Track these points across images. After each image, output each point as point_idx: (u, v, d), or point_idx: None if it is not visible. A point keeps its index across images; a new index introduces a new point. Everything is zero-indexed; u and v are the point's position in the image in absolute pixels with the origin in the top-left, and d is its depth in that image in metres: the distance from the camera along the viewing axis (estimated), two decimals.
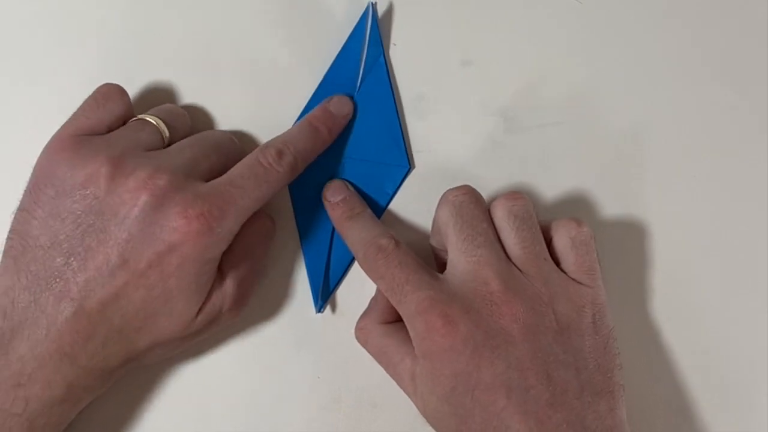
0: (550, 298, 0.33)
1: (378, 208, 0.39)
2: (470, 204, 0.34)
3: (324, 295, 0.39)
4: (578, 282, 0.34)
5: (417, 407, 0.35)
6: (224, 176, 0.34)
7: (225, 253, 0.34)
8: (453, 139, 0.40)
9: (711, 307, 0.40)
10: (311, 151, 0.37)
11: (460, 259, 0.34)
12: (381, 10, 0.41)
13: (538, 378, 0.31)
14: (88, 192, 0.32)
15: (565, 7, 0.41)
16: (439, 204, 0.36)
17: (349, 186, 0.39)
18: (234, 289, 0.35)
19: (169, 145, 0.36)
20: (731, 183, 0.40)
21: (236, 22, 0.41)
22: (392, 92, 0.40)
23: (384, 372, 0.39)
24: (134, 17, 0.40)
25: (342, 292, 0.40)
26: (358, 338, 0.38)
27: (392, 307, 0.36)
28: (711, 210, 0.40)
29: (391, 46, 0.40)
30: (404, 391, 0.36)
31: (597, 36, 0.41)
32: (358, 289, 0.40)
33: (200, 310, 0.34)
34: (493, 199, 0.36)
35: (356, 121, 0.40)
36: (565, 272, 0.35)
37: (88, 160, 0.33)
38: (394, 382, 0.39)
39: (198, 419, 0.39)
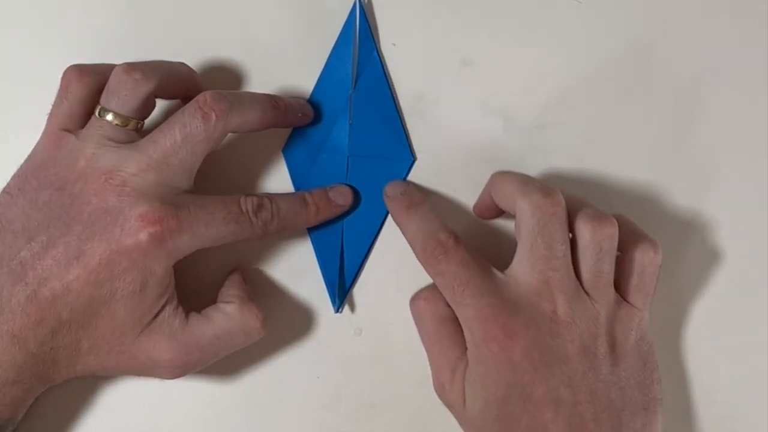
0: (606, 321, 0.34)
1: (383, 205, 0.39)
2: (555, 224, 0.34)
3: (341, 294, 0.40)
4: (631, 304, 0.35)
5: (448, 399, 0.36)
6: (199, 197, 0.35)
7: (197, 319, 0.35)
8: (453, 139, 0.40)
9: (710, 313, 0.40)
10: (291, 220, 0.37)
11: (529, 272, 0.34)
12: (380, 9, 0.40)
13: (585, 395, 0.33)
14: (63, 191, 0.34)
15: (564, 7, 0.41)
16: (522, 198, 0.34)
17: (410, 183, 0.39)
18: (180, 345, 0.35)
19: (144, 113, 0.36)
20: (732, 184, 0.40)
21: (233, 24, 0.40)
22: (389, 87, 0.40)
23: (384, 372, 0.39)
24: (131, 18, 0.40)
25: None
26: (414, 306, 0.37)
27: None
28: (710, 210, 0.40)
29: (391, 46, 0.40)
30: (436, 378, 0.36)
31: (597, 36, 0.41)
32: (357, 288, 0.40)
33: (141, 332, 0.34)
34: (579, 207, 0.35)
35: (356, 119, 0.40)
36: (621, 288, 0.35)
37: (65, 161, 0.34)
38: (394, 382, 0.39)
39: (198, 419, 0.39)
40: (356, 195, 0.39)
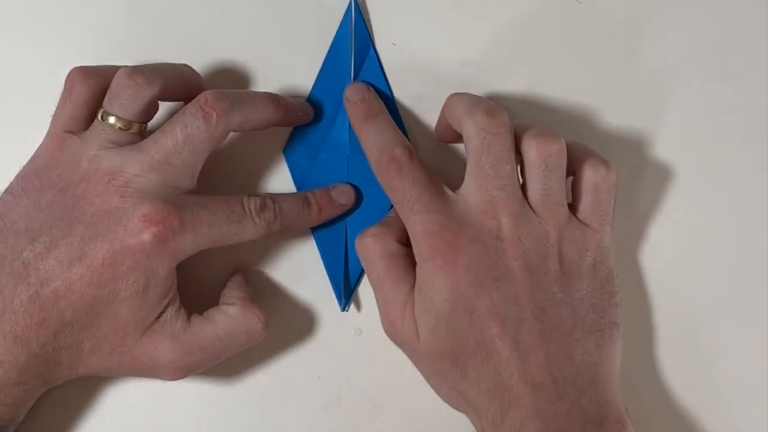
0: (556, 240, 0.34)
1: (386, 202, 0.39)
2: (500, 143, 0.34)
3: (347, 292, 0.40)
4: (587, 225, 0.35)
5: (400, 336, 0.35)
6: (202, 197, 0.35)
7: (200, 320, 0.35)
8: None
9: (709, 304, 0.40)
10: (294, 219, 0.37)
11: (476, 191, 0.34)
12: (381, 9, 0.40)
13: (533, 312, 0.33)
14: (66, 192, 0.34)
15: (565, 7, 0.41)
16: (468, 118, 0.34)
17: (371, 88, 0.39)
18: (182, 346, 0.35)
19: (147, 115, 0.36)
20: (730, 183, 0.41)
21: (231, 23, 0.40)
22: (387, 85, 0.40)
23: (384, 372, 0.39)
24: (131, 18, 0.40)
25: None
26: (362, 244, 0.37)
27: None
28: (708, 210, 0.41)
29: (391, 46, 0.40)
30: (385, 316, 0.36)
31: (597, 36, 0.41)
32: (358, 288, 0.40)
33: (144, 333, 0.34)
34: (527, 129, 0.35)
35: None
36: (576, 209, 0.35)
37: (68, 163, 0.34)
38: (394, 383, 0.39)
39: (200, 420, 0.39)
40: (358, 193, 0.40)
